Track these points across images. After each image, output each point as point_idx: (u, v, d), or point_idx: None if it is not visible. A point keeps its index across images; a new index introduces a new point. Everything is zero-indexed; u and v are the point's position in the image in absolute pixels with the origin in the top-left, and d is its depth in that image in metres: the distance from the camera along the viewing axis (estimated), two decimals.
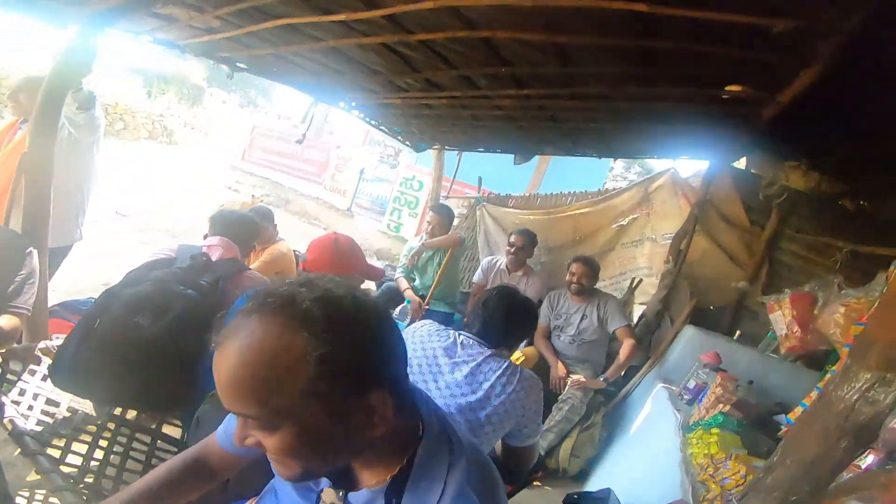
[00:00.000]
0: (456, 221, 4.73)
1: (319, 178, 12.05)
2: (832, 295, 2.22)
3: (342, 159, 11.72)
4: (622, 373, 3.63)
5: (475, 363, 1.62)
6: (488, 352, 1.67)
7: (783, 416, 2.36)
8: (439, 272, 3.81)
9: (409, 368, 1.53)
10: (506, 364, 1.64)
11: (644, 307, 3.98)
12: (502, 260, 4.00)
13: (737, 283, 3.61)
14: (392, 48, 2.25)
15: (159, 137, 13.46)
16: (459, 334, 1.71)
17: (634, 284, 3.98)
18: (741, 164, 3.81)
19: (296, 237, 9.24)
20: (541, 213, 4.31)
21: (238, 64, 2.96)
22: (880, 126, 2.24)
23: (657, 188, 4.00)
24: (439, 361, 1.63)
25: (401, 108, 3.35)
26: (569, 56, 2.00)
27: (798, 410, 1.95)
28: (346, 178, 11.65)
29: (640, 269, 4.07)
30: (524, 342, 3.81)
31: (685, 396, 2.82)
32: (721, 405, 2.15)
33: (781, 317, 2.60)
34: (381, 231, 9.86)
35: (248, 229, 2.32)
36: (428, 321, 1.81)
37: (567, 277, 3.62)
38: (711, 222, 3.72)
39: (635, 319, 4.03)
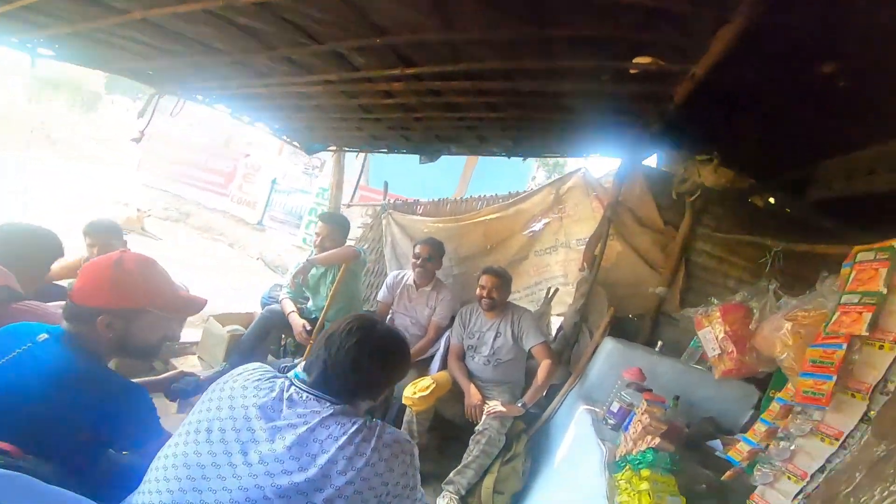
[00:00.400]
0: (359, 232, 4.21)
1: (226, 190, 11.09)
2: (768, 304, 1.93)
3: (251, 168, 10.83)
4: (542, 394, 3.27)
5: (307, 427, 1.13)
6: (329, 410, 1.18)
7: (717, 442, 2.05)
8: (332, 290, 3.27)
9: (204, 435, 1.01)
10: (354, 426, 1.16)
11: (563, 320, 3.66)
12: (409, 274, 3.53)
13: (654, 288, 3.37)
14: (223, 16, 1.73)
15: (37, 147, 11.83)
16: (291, 386, 1.21)
17: (550, 294, 3.65)
18: (653, 162, 3.61)
19: (196, 255, 8.35)
20: (450, 220, 3.89)
21: (40, 50, 2.30)
22: (789, 108, 2.05)
23: (569, 190, 3.72)
24: (253, 425, 1.11)
25: (270, 100, 2.81)
26: (452, 20, 1.60)
27: (742, 448, 1.60)
28: (256, 189, 10.77)
29: (555, 278, 3.76)
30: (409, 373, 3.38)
31: (610, 421, 2.48)
32: (649, 437, 1.78)
33: (712, 333, 2.28)
34: (297, 246, 9.09)
35: (34, 249, 1.82)
36: (255, 365, 1.29)
37: (477, 291, 3.22)
38: (625, 225, 3.48)
39: (553, 332, 3.70)
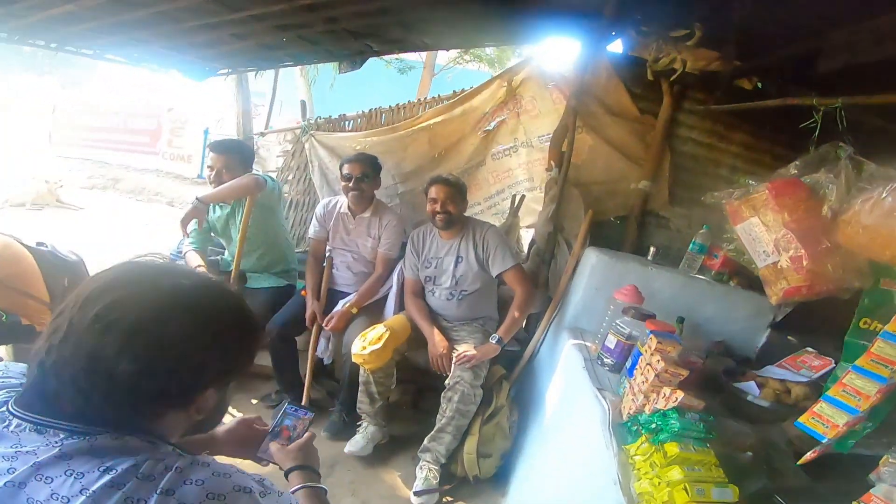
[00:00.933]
0: (280, 162, 3.44)
1: (154, 148, 9.94)
2: (845, 179, 1.26)
3: (178, 122, 9.66)
4: (521, 326, 2.73)
5: (10, 481, 0.58)
6: (55, 448, 0.61)
7: (750, 384, 1.50)
8: (240, 233, 2.57)
9: None
10: (108, 476, 0.59)
11: (533, 232, 3.07)
12: (343, 200, 2.83)
13: (636, 183, 2.78)
14: None
15: None
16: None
17: (516, 203, 3.02)
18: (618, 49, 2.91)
19: (132, 219, 7.41)
20: (387, 130, 3.15)
21: None
22: None
23: (523, 82, 3.00)
24: None
25: (98, 20, 1.95)
26: None
27: (827, 412, 1.01)
28: (188, 143, 9.66)
29: (519, 183, 3.12)
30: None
31: (606, 360, 1.90)
32: (667, 390, 1.21)
33: (762, 228, 1.60)
34: None
35: None
36: None
37: (428, 207, 2.56)
38: (594, 116, 2.82)
39: (525, 249, 3.11)
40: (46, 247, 2.47)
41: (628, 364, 1.65)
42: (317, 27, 2.41)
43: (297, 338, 2.75)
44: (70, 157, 10.11)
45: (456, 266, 2.59)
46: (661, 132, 2.76)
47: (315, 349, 2.71)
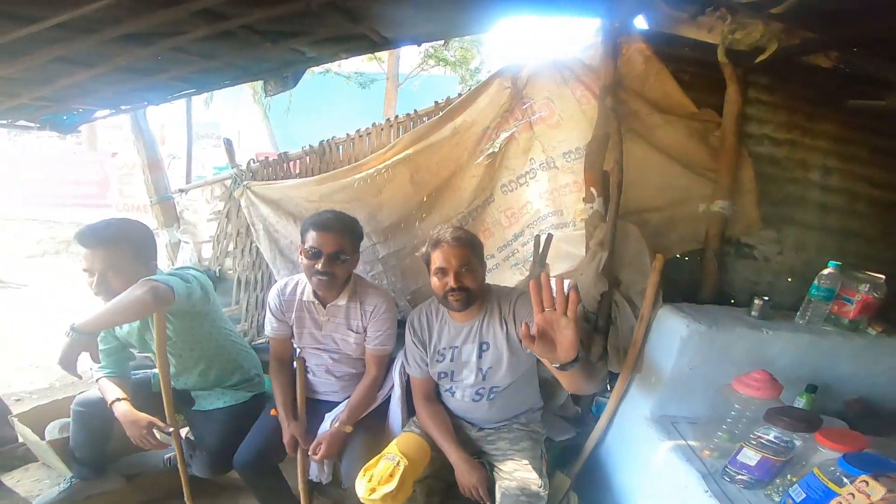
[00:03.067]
0: (212, 228, 2.45)
1: (105, 199, 8.73)
2: None
3: (125, 167, 8.46)
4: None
5: None
6: None
7: None
8: (157, 359, 1.64)
9: None
10: None
11: (570, 283, 2.18)
12: (305, 283, 1.89)
13: (709, 204, 1.93)
14: None
15: None
16: None
17: (542, 247, 2.10)
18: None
19: (79, 296, 6.27)
20: (349, 171, 2.18)
21: None
22: None
23: (531, 79, 2.09)
24: None
25: None
26: None
27: None
28: (141, 191, 8.45)
29: (543, 220, 2.22)
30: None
31: (740, 477, 1.34)
32: None
33: None
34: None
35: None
36: None
37: (434, 283, 1.67)
38: (637, 116, 1.98)
39: None
40: None
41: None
42: (195, 31, 1.45)
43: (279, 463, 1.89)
44: (15, 219, 8.85)
45: (480, 357, 1.71)
46: (733, 130, 1.91)
47: (306, 475, 1.84)
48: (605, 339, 1.90)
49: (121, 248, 1.63)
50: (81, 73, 1.74)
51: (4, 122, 2.08)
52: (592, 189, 1.87)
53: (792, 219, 2.01)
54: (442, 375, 1.78)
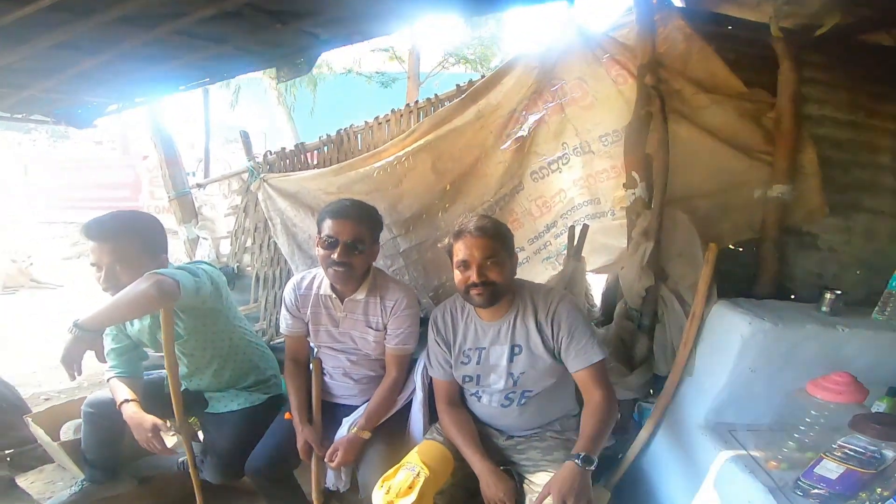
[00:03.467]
0: (230, 223, 2.34)
1: (137, 202, 8.88)
2: None
3: (156, 170, 8.57)
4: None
5: None
6: None
7: None
8: (166, 359, 1.53)
9: None
10: None
11: (606, 281, 2.00)
12: (322, 277, 1.75)
13: (766, 189, 1.71)
14: None
15: None
16: None
17: (577, 239, 1.92)
18: None
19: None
20: (368, 159, 2.04)
21: None
22: None
23: (560, 58, 1.90)
24: None
25: None
26: None
27: None
28: None
29: (577, 209, 2.04)
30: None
31: (816, 491, 1.17)
32: None
33: None
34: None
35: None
36: None
37: (456, 277, 1.50)
38: (680, 96, 1.79)
39: (598, 305, 2.04)
40: None
41: None
42: (198, 12, 1.33)
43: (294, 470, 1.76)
44: (53, 222, 9.10)
45: (512, 360, 1.53)
46: (790, 110, 1.71)
47: (321, 483, 1.69)
48: (649, 338, 1.72)
49: (128, 240, 1.52)
50: (87, 60, 1.66)
51: (19, 115, 2.04)
52: (634, 174, 1.67)
53: (860, 205, 1.81)
54: (467, 379, 1.61)
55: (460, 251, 1.46)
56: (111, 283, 1.50)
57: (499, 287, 1.45)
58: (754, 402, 1.50)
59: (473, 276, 1.43)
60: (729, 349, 1.46)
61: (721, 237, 1.74)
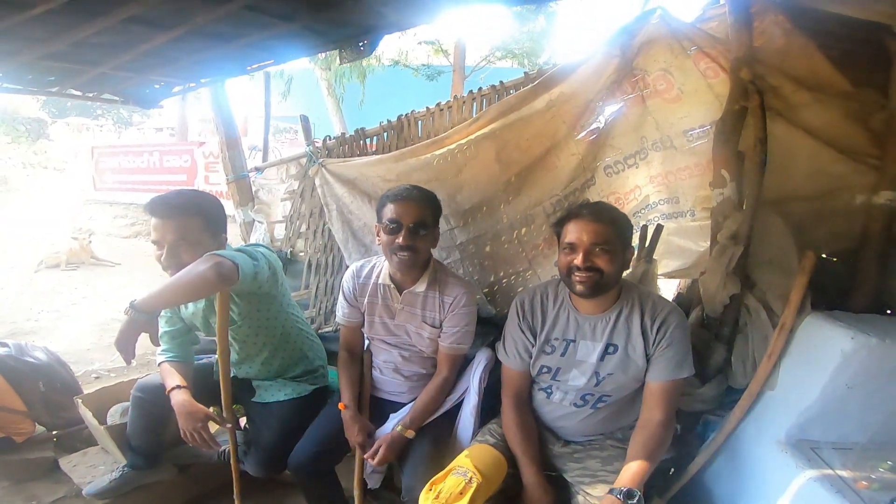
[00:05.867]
0: (286, 207, 2.28)
1: (192, 187, 9.11)
2: None
3: (211, 157, 8.78)
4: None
5: None
6: None
7: None
8: (219, 344, 1.47)
9: None
10: None
11: (678, 286, 1.83)
12: (380, 265, 1.67)
13: (870, 194, 1.51)
14: None
15: None
16: None
17: (649, 240, 1.75)
18: None
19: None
20: (429, 146, 1.92)
21: None
22: None
23: (644, 47, 1.73)
24: None
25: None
26: None
27: None
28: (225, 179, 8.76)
29: (652, 208, 1.87)
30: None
31: None
32: None
33: None
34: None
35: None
36: None
37: (560, 260, 1.37)
38: (777, 93, 1.58)
39: None
40: (8, 347, 2.16)
41: None
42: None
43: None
44: (115, 203, 9.47)
45: (603, 359, 1.39)
46: None
47: (362, 474, 1.63)
48: (727, 349, 1.54)
49: (193, 218, 1.46)
50: (160, 36, 1.60)
51: (91, 94, 2.04)
52: (724, 172, 1.49)
53: None
54: (544, 370, 1.46)
55: (569, 233, 1.33)
56: (172, 260, 1.45)
57: (605, 277, 1.30)
58: (846, 419, 1.35)
59: (578, 259, 1.29)
60: (824, 364, 1.30)
61: (816, 245, 1.54)
